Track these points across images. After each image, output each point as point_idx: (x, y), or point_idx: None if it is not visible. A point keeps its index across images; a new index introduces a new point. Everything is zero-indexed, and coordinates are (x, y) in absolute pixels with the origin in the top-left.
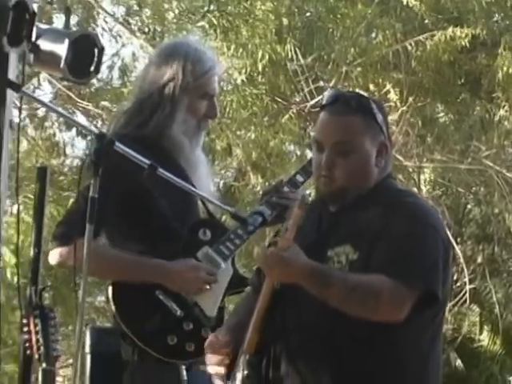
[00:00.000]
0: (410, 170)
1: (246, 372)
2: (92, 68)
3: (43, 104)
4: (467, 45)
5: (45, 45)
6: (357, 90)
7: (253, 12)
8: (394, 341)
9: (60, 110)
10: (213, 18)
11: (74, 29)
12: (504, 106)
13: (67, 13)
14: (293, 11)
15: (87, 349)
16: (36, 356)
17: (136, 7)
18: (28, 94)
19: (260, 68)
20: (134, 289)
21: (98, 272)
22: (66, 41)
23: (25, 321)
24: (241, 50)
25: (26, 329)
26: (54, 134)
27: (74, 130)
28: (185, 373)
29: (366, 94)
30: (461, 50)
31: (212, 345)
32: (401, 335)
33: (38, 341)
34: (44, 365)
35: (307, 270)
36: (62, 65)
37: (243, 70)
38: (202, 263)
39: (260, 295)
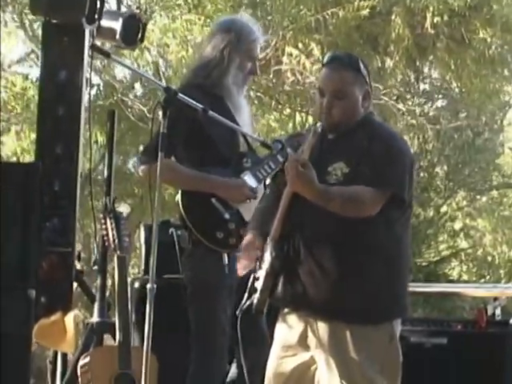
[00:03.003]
0: None
1: (274, 253)
2: (138, 38)
3: (125, 66)
4: (367, 14)
5: (104, 22)
6: (291, 48)
7: None
8: (376, 228)
9: (137, 69)
10: None
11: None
12: (395, 57)
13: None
14: None
15: (142, 240)
16: (111, 247)
17: None
18: (115, 59)
19: None
20: (196, 195)
21: (171, 182)
22: (120, 19)
23: (102, 221)
24: (208, 20)
25: (103, 226)
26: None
27: None
28: (226, 258)
29: (355, 55)
30: (363, 18)
31: (248, 247)
32: (380, 224)
33: (113, 235)
34: (118, 252)
35: (315, 189)
36: (117, 36)
37: None
38: (247, 182)
39: (283, 197)
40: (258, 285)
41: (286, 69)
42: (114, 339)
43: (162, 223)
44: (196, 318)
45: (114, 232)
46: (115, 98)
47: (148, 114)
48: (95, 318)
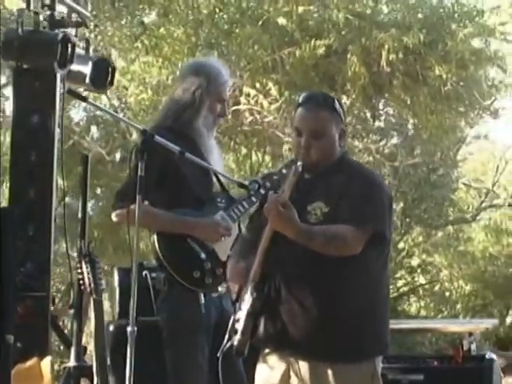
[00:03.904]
0: (288, 143)
1: (254, 294)
2: (108, 81)
3: (103, 110)
4: (323, 52)
5: (74, 66)
6: (247, 88)
7: (171, 36)
8: (356, 267)
9: (112, 111)
10: (145, 40)
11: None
12: (352, 95)
13: (87, 42)
14: (199, 33)
15: (116, 283)
16: (88, 290)
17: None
18: (91, 103)
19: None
20: (172, 236)
21: (147, 225)
22: (90, 63)
23: (78, 265)
24: (166, 62)
25: (79, 271)
26: None
27: None
28: (203, 298)
29: (330, 94)
30: (320, 56)
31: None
32: (361, 263)
33: (89, 279)
34: (94, 296)
35: (296, 230)
36: (87, 80)
37: (170, 77)
38: (222, 221)
39: (263, 237)
40: (239, 326)
41: (244, 109)
42: (91, 383)
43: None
44: (173, 360)
45: (90, 276)
46: (72, 140)
47: (107, 157)
48: (72, 362)
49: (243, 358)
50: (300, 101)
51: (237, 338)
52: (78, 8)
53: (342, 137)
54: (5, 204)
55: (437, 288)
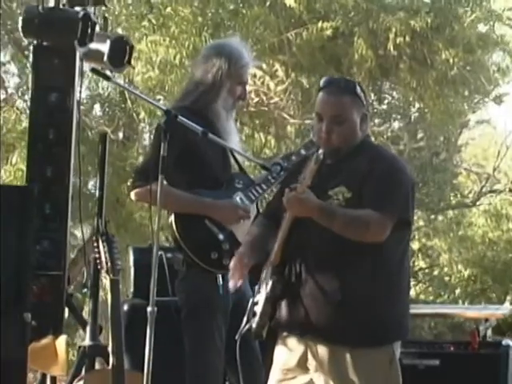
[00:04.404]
0: (293, 124)
1: (274, 277)
2: (125, 60)
3: (125, 88)
4: (330, 35)
5: (92, 45)
6: (255, 69)
7: (178, 15)
8: (378, 251)
9: (136, 91)
10: (152, 19)
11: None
12: (358, 78)
13: (105, 21)
14: (206, 13)
15: (131, 263)
16: (104, 269)
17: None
18: (115, 82)
19: (185, 54)
20: (189, 217)
21: (165, 205)
22: (108, 41)
23: (95, 244)
24: (173, 41)
25: (96, 249)
26: None
27: None
28: (221, 279)
29: (351, 79)
30: (327, 39)
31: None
32: (383, 248)
33: (106, 258)
34: (111, 275)
35: (318, 207)
36: (105, 59)
37: (177, 56)
38: (239, 203)
39: (283, 223)
40: (258, 309)
41: (250, 90)
42: (107, 363)
43: (150, 246)
44: (191, 339)
45: (107, 255)
46: None
47: (112, 136)
48: (87, 342)
49: (261, 340)
50: (321, 85)
51: (255, 321)
52: None
53: (364, 121)
54: (18, 182)
55: (436, 272)
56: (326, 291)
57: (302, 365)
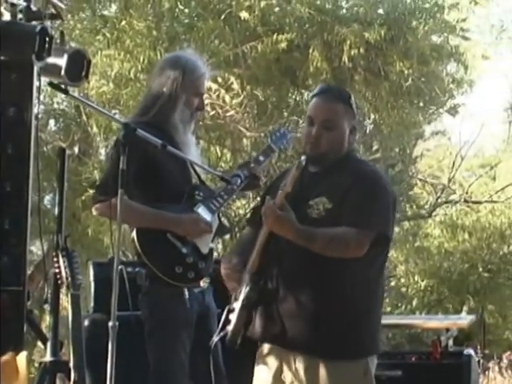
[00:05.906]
0: (249, 137)
1: (250, 285)
2: (83, 74)
3: (85, 102)
4: (285, 47)
5: (49, 59)
6: (210, 82)
7: (133, 29)
8: (355, 265)
9: (94, 104)
10: (106, 33)
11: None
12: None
13: (62, 35)
14: (161, 27)
15: (91, 278)
16: (65, 284)
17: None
18: (73, 96)
19: (140, 68)
20: (152, 231)
21: (127, 220)
22: (65, 55)
23: (55, 259)
24: (128, 55)
25: (56, 265)
26: None
27: None
28: (187, 293)
29: (346, 89)
30: (282, 51)
31: (228, 273)
32: (360, 262)
33: (66, 273)
34: (72, 290)
35: (295, 230)
36: (62, 73)
37: (132, 70)
38: (201, 217)
39: (261, 231)
40: (233, 317)
41: (205, 103)
42: (68, 379)
43: (110, 260)
44: (155, 353)
45: (67, 270)
46: None
47: (67, 150)
48: (48, 358)
49: (241, 351)
50: (316, 92)
51: (230, 329)
52: (54, 0)
53: (352, 133)
54: None
55: (393, 283)
56: (302, 303)
57: (277, 377)
